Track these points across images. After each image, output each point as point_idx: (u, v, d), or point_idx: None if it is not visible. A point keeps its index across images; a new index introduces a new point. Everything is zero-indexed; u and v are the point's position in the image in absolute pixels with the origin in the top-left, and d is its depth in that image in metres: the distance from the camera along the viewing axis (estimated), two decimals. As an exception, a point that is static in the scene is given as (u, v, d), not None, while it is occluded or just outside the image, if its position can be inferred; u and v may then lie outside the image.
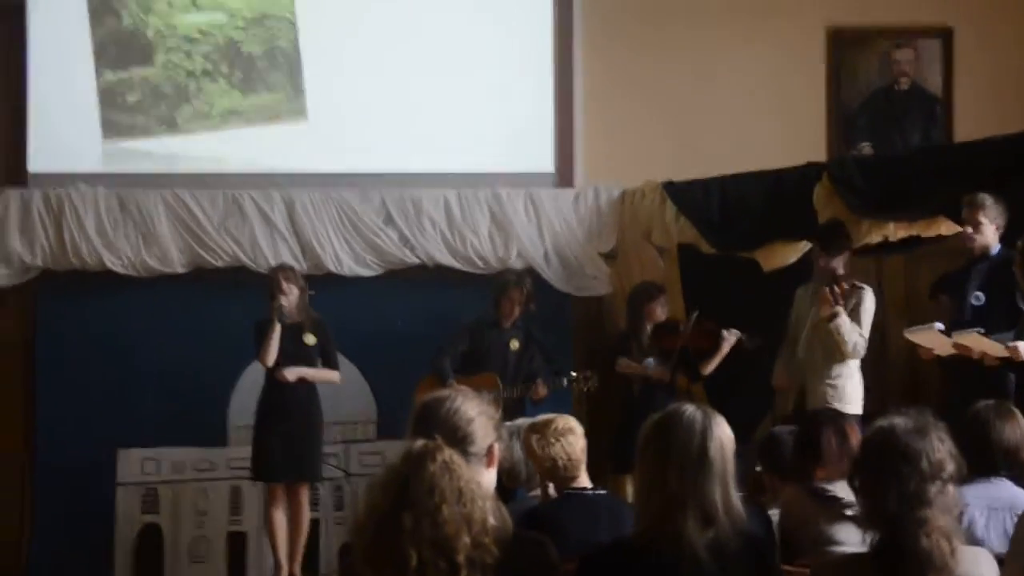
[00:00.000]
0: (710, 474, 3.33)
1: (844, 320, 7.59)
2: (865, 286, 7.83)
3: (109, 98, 9.64)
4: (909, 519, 3.21)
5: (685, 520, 3.28)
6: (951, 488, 3.27)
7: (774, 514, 4.97)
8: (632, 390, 8.70)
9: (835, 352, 7.66)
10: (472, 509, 2.94)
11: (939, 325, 7.05)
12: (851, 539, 4.60)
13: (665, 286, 9.02)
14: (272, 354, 8.40)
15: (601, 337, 9.57)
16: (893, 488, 3.23)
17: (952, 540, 3.23)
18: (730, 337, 8.50)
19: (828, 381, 7.70)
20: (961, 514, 3.97)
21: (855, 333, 7.61)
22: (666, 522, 3.31)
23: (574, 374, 8.72)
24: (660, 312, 8.78)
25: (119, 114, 9.67)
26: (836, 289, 7.58)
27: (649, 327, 8.69)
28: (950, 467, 3.28)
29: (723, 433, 3.40)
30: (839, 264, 7.75)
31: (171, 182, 9.54)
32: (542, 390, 8.66)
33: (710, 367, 8.58)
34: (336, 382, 8.69)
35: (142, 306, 9.40)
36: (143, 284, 9.39)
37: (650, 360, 8.58)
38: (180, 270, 9.41)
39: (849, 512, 4.70)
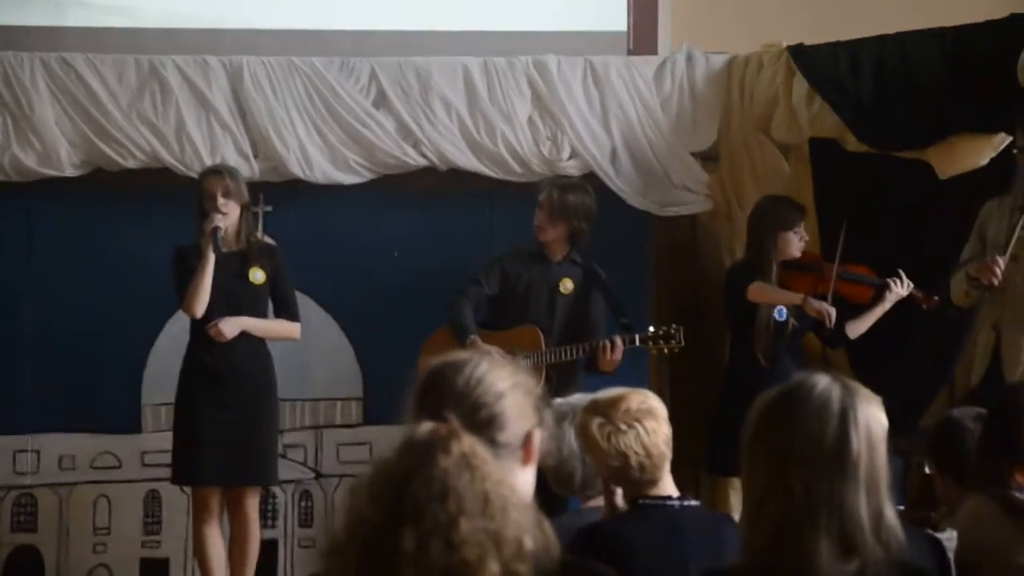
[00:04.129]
0: (852, 478, 3.36)
1: None
2: None
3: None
4: None
5: (816, 544, 3.32)
6: None
7: (949, 537, 5.01)
8: (745, 355, 8.75)
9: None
10: (502, 524, 2.98)
11: None
12: (1063, 573, 4.65)
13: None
14: (203, 299, 8.42)
15: (694, 276, 9.59)
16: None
17: None
18: (898, 289, 8.51)
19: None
20: None
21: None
22: (787, 546, 3.35)
23: (651, 329, 8.70)
24: (796, 245, 8.77)
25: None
26: None
27: (776, 264, 8.72)
28: None
29: (872, 418, 3.43)
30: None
31: (57, 40, 9.58)
32: (616, 353, 8.57)
33: (861, 327, 8.61)
34: (295, 339, 8.74)
35: (13, 226, 9.48)
36: (13, 192, 9.42)
37: (781, 309, 8.59)
38: (70, 173, 9.41)
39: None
